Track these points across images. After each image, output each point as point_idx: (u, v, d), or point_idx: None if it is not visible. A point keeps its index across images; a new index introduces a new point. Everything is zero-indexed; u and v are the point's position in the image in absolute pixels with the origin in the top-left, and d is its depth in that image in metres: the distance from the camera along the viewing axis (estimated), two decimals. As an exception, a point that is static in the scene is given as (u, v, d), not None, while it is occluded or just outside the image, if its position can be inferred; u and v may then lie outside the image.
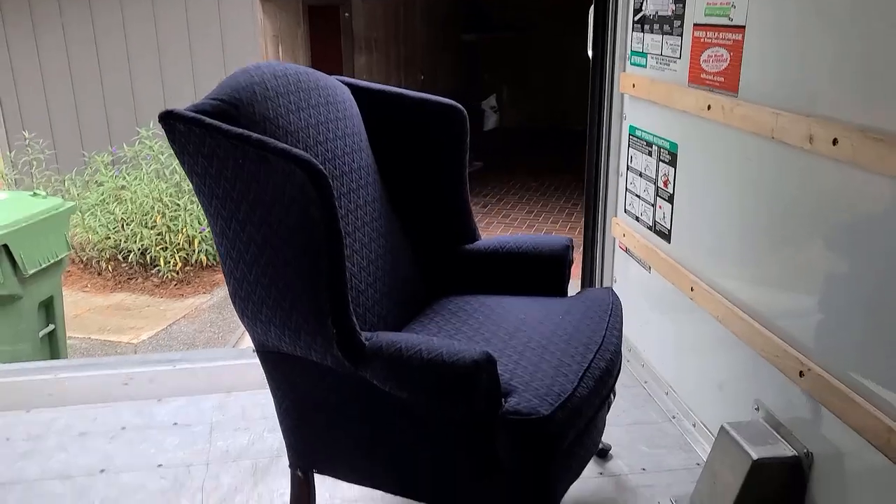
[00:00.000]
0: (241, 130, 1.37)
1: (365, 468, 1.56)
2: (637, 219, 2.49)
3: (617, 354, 1.67)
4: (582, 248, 2.81)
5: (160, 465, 2.05)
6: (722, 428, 1.79)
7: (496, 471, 1.41)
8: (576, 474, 1.57)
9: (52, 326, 3.93)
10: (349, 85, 1.94)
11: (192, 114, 1.42)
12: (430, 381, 1.36)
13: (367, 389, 1.44)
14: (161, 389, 2.46)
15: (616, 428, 2.19)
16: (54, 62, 6.69)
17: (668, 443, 2.14)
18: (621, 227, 2.59)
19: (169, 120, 1.43)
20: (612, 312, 1.79)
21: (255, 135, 1.37)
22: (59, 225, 3.85)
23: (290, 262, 1.40)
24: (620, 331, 1.76)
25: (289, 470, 1.65)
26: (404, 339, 1.42)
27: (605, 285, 2.77)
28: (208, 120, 1.40)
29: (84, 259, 5.92)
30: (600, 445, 2.05)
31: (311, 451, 1.61)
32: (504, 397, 1.42)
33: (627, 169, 2.56)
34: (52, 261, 3.80)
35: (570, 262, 1.97)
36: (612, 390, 1.67)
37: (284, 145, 1.34)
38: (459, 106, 1.97)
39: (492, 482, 1.42)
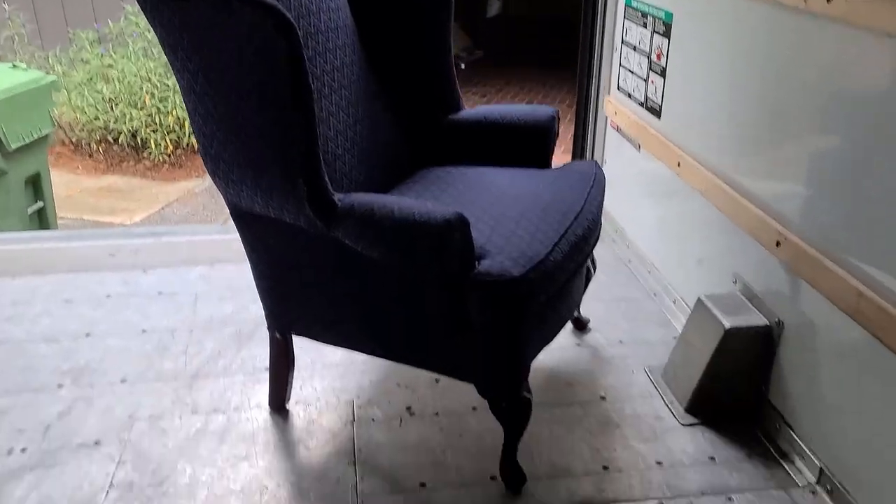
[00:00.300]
0: (205, -24, 1.30)
1: (339, 329, 1.58)
2: (629, 95, 2.43)
3: (595, 223, 1.65)
4: (573, 129, 2.75)
5: (144, 331, 2.07)
6: (698, 300, 1.80)
7: (468, 330, 1.42)
8: (547, 338, 1.58)
9: (40, 204, 3.91)
10: (328, -60, 1.84)
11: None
12: (402, 241, 1.34)
13: (340, 250, 1.44)
14: (146, 260, 2.47)
15: (596, 303, 2.21)
16: (34, -68, 6.38)
17: (647, 318, 2.16)
18: (613, 106, 2.53)
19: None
20: (594, 183, 1.77)
21: (219, -20, 1.30)
22: (41, 99, 3.77)
23: (259, 120, 1.36)
24: (601, 201, 1.74)
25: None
26: (377, 200, 1.40)
27: (594, 166, 2.74)
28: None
29: (74, 140, 5.84)
30: (580, 318, 2.08)
31: (286, 313, 1.62)
32: (477, 260, 1.41)
33: (622, 43, 2.47)
34: (35, 136, 3.74)
35: (556, 134, 1.92)
36: (588, 257, 1.67)
37: (248, -9, 1.28)
38: (444, -33, 1.87)
39: (463, 341, 1.44)
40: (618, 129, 2.53)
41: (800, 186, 1.58)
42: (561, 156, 3.10)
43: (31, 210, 3.85)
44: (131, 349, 1.99)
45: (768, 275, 1.69)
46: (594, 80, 2.61)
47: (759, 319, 1.69)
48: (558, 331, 1.65)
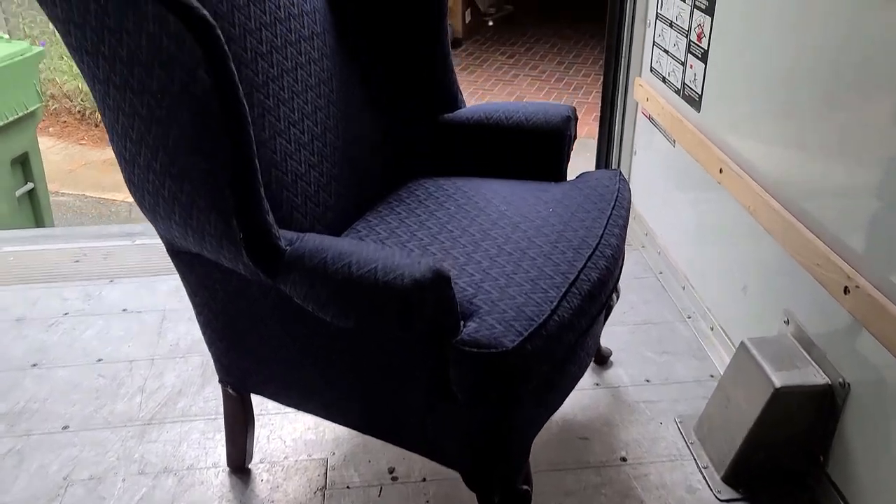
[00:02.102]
0: (100, -40, 0.99)
1: (299, 392, 1.29)
2: (664, 80, 2.07)
3: (616, 258, 1.33)
4: (599, 112, 2.41)
5: (100, 360, 1.82)
6: (742, 344, 1.48)
7: (450, 403, 1.13)
8: (555, 407, 1.29)
9: (30, 185, 3.68)
10: None
11: (44, -64, 1.04)
12: (361, 304, 1.05)
13: (293, 303, 1.15)
14: (115, 268, 2.21)
15: (620, 328, 1.90)
16: None
17: (680, 348, 1.84)
18: (645, 90, 2.18)
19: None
20: (616, 204, 1.44)
21: (118, -34, 0.99)
22: (27, 73, 3.50)
23: (182, 144, 1.06)
24: (624, 225, 1.42)
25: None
26: (333, 247, 1.10)
27: (623, 156, 2.40)
28: (62, -55, 1.02)
29: (78, 110, 5.60)
30: (600, 349, 1.77)
31: (237, 367, 1.34)
32: (463, 319, 1.11)
33: (656, 17, 2.10)
34: (21, 113, 3.48)
35: (572, 138, 1.59)
36: (606, 304, 1.35)
37: (155, -19, 0.96)
38: (438, -67, 1.53)
39: (445, 418, 1.15)
40: (650, 118, 2.18)
41: (881, 221, 1.24)
42: (582, 142, 2.76)
43: (19, 192, 3.62)
44: (81, 384, 1.74)
45: (830, 322, 1.36)
46: (623, 60, 2.25)
47: (817, 377, 1.37)
48: (569, 392, 1.35)
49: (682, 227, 2.05)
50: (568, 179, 1.61)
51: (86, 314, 2.00)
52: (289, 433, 1.59)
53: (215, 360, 1.37)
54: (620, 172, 1.57)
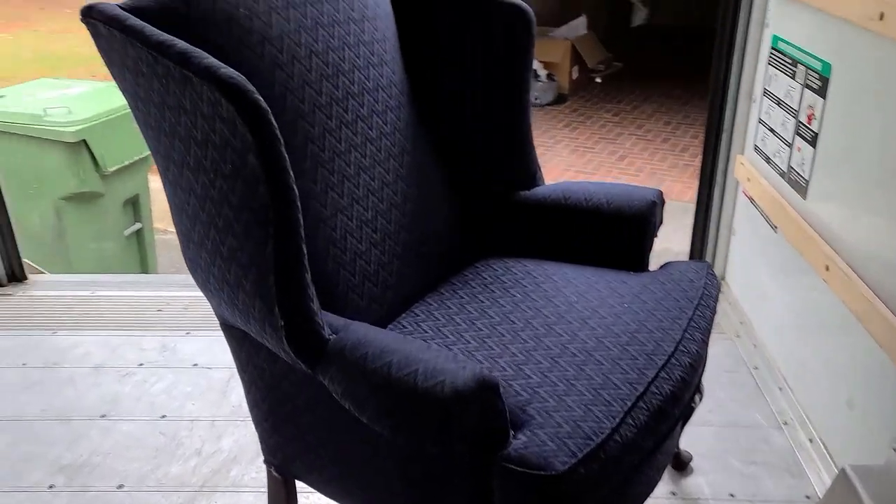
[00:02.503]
0: (164, 37, 0.99)
1: (340, 486, 1.22)
2: (768, 160, 1.92)
3: (695, 366, 1.20)
4: (697, 189, 2.26)
5: (164, 417, 1.82)
6: (843, 471, 1.30)
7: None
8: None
9: (138, 225, 3.85)
10: (381, -26, 1.49)
11: (116, 10, 1.04)
12: (397, 409, 0.97)
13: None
14: (194, 319, 2.23)
15: (704, 429, 1.73)
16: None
17: (772, 459, 1.66)
18: (747, 169, 2.03)
19: (90, 18, 1.06)
20: (701, 304, 1.31)
21: (179, 44, 0.97)
22: (142, 121, 3.68)
23: (232, 226, 1.03)
24: (708, 331, 1.28)
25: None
26: (376, 342, 1.03)
27: (720, 236, 2.24)
28: (131, 20, 1.02)
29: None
30: (678, 453, 1.62)
31: (282, 449, 1.29)
32: (513, 429, 1.02)
33: (763, 94, 1.97)
34: (135, 158, 3.66)
35: (656, 226, 1.48)
36: (679, 420, 1.22)
37: (212, 61, 0.94)
38: (527, 7, 1.48)
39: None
40: (751, 200, 2.02)
41: None
42: (683, 206, 2.61)
43: (128, 232, 3.79)
44: (143, 441, 1.74)
45: (951, 460, 1.17)
46: (725, 135, 2.11)
47: (932, 524, 1.18)
48: (635, 509, 1.21)
49: (783, 321, 1.87)
50: (651, 269, 1.49)
51: (159, 366, 2.01)
52: (337, 517, 1.51)
53: (261, 440, 1.32)
54: (710, 266, 1.44)
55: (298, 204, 1.00)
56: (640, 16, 10.57)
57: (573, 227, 1.50)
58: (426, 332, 1.26)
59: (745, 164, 2.04)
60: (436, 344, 1.22)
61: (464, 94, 1.53)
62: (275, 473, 1.34)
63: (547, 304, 1.31)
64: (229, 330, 1.24)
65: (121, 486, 1.60)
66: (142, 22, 1.02)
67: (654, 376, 1.12)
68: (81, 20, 1.07)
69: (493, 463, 0.98)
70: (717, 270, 2.27)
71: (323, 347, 1.05)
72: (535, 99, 7.03)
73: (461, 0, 1.48)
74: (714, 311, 1.34)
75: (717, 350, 2.05)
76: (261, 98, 0.94)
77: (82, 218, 3.56)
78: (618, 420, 1.03)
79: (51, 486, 1.60)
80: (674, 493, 1.57)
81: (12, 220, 3.68)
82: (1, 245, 2.33)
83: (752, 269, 2.06)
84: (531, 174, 1.56)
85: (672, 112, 7.15)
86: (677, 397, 1.13)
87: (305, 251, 1.03)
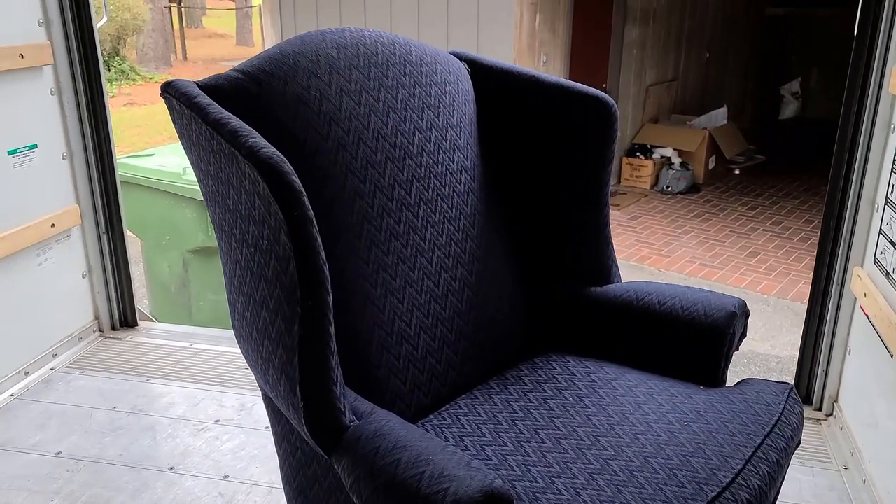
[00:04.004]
0: (221, 115, 1.03)
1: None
2: (888, 275, 1.74)
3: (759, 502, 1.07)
4: (809, 298, 2.08)
5: (226, 477, 1.84)
6: None
7: None
8: None
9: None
10: (467, 60, 1.51)
11: (189, 87, 1.11)
12: (395, 513, 0.92)
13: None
14: (276, 382, 2.27)
15: (790, 572, 1.53)
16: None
17: None
18: (864, 283, 1.84)
19: (167, 93, 1.13)
20: (774, 432, 1.18)
21: (234, 122, 1.01)
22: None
23: (267, 301, 1.04)
24: (779, 463, 1.14)
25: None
26: (391, 436, 0.99)
27: (834, 355, 2.03)
28: (199, 98, 1.08)
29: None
30: None
31: (310, 533, 1.25)
32: (530, 549, 0.94)
33: (886, 203, 1.79)
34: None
35: (734, 338, 1.36)
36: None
37: (258, 141, 0.97)
38: (609, 99, 1.44)
39: None
40: (868, 319, 1.82)
41: None
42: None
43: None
44: (201, 500, 1.76)
45: None
46: (842, 244, 1.94)
47: None
48: None
49: None
50: (727, 385, 1.36)
51: (233, 425, 2.05)
52: None
53: (293, 518, 1.29)
54: (793, 388, 1.30)
55: (328, 287, 0.99)
56: (790, 108, 10.18)
57: (643, 331, 1.41)
58: (464, 427, 1.20)
59: (863, 277, 1.85)
60: (471, 442, 1.16)
61: (539, 184, 1.49)
62: (302, 555, 1.30)
63: (599, 411, 1.22)
64: (270, 403, 1.24)
65: (170, 543, 1.62)
66: (209, 100, 1.08)
67: (701, 509, 1.01)
68: (161, 94, 1.14)
69: (498, 584, 0.90)
70: (829, 392, 2.05)
71: (341, 434, 1.02)
72: (667, 187, 6.86)
73: (543, 90, 1.46)
74: (792, 443, 1.20)
75: (820, 481, 1.83)
76: (296, 180, 0.95)
77: (205, 270, 3.78)
78: (646, 556, 0.93)
79: (107, 533, 1.64)
80: None
81: (144, 268, 3.96)
82: (118, 292, 2.49)
83: (866, 394, 1.85)
84: (605, 270, 1.49)
85: (815, 210, 6.74)
86: (725, 538, 1.01)
87: (333, 333, 1.02)
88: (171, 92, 1.11)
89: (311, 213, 0.96)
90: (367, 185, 1.24)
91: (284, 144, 1.08)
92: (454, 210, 1.37)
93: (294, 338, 0.99)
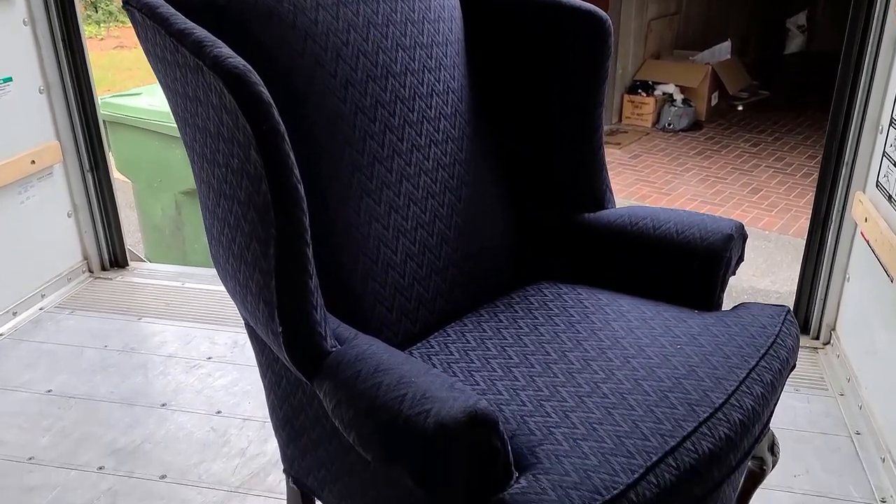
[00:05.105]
0: (185, 26, 0.97)
1: (344, 506, 1.15)
2: (891, 199, 1.69)
3: (745, 428, 1.04)
4: (808, 228, 2.04)
5: (219, 412, 1.83)
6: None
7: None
8: None
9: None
10: (452, -25, 1.43)
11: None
12: (375, 436, 0.89)
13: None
14: (269, 319, 2.25)
15: (784, 495, 1.53)
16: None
17: (860, 542, 1.44)
18: (865, 209, 1.79)
19: (129, 5, 1.06)
20: (769, 353, 1.14)
21: (198, 32, 0.95)
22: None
23: (241, 224, 1.00)
24: (773, 385, 1.11)
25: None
26: (373, 358, 0.95)
27: (833, 281, 2.00)
28: (162, 8, 1.01)
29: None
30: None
31: (298, 463, 1.23)
32: (518, 472, 0.91)
33: (890, 123, 1.74)
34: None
35: (732, 261, 1.32)
36: (720, 484, 1.05)
37: (223, 51, 0.91)
38: (603, 14, 1.37)
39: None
40: (868, 244, 1.78)
41: None
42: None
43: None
44: (194, 434, 1.75)
45: None
46: (844, 169, 1.88)
47: None
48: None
49: (894, 384, 1.63)
50: (724, 309, 1.33)
51: (225, 362, 2.03)
52: (361, 538, 1.45)
53: (280, 448, 1.28)
54: (789, 311, 1.26)
55: (304, 207, 0.95)
56: (795, 42, 9.95)
57: (638, 256, 1.36)
58: (451, 353, 1.17)
59: (865, 202, 1.80)
60: (459, 368, 1.13)
61: (530, 106, 1.43)
62: (293, 485, 1.29)
63: (590, 336, 1.19)
64: (252, 332, 1.21)
65: (163, 477, 1.61)
66: (172, 10, 1.01)
67: (692, 430, 0.98)
68: (123, 6, 1.08)
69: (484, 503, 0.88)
70: (827, 320, 2.02)
71: (323, 359, 0.99)
72: (669, 125, 6.74)
73: (534, 5, 1.39)
74: (787, 364, 1.17)
75: (815, 408, 1.82)
76: (265, 91, 0.89)
77: (198, 212, 3.72)
78: (636, 475, 0.90)
79: (100, 468, 1.64)
80: (734, 566, 1.38)
81: (138, 212, 3.91)
82: (106, 232, 2.45)
83: (864, 321, 1.82)
84: (598, 195, 1.44)
85: (819, 146, 6.63)
86: (717, 458, 0.98)
87: (311, 256, 0.98)
88: (132, 3, 1.05)
89: (283, 128, 0.91)
90: (347, 105, 1.19)
91: (256, 60, 1.01)
92: (441, 133, 1.32)
93: (270, 261, 0.95)
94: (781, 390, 1.16)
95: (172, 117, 1.12)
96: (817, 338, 2.06)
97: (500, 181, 1.42)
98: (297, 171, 0.93)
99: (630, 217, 1.38)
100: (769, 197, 5.39)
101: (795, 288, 2.09)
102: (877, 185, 1.77)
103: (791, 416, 1.78)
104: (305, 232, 0.96)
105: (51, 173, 2.25)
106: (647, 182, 5.61)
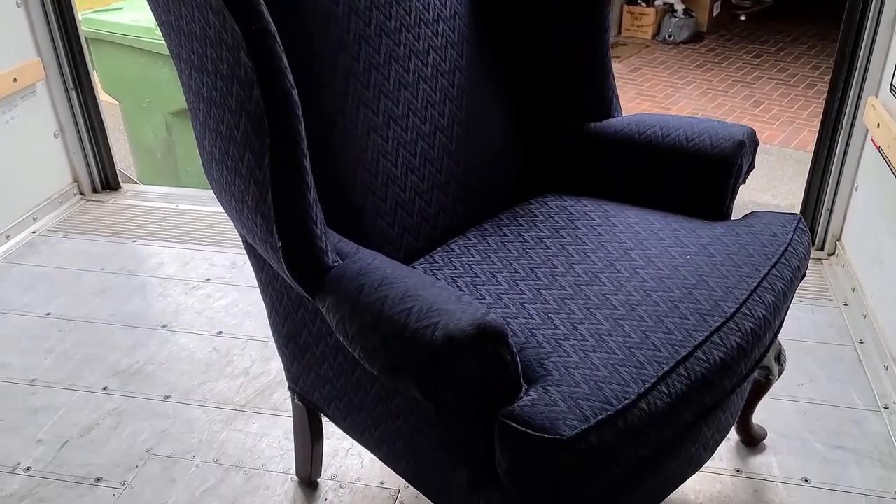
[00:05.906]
0: (164, -79, 0.89)
1: (352, 424, 1.15)
2: (904, 103, 1.63)
3: (756, 337, 1.02)
4: (817, 134, 1.98)
5: (220, 333, 1.82)
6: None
7: (497, 487, 0.92)
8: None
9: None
10: None
11: None
12: (382, 349, 0.87)
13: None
14: (267, 240, 2.21)
15: (788, 404, 1.54)
16: None
17: (862, 446, 1.45)
18: (877, 114, 1.74)
19: None
20: (781, 262, 1.12)
21: (179, -71, 0.88)
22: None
23: (234, 133, 0.95)
24: (784, 294, 1.09)
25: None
26: (377, 272, 0.93)
27: (840, 190, 1.96)
28: None
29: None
30: (750, 428, 1.44)
31: (303, 379, 1.22)
32: (527, 384, 0.90)
33: (907, 23, 1.66)
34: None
35: (742, 170, 1.27)
36: (730, 393, 1.04)
37: (207, -53, 0.84)
38: None
39: (487, 494, 0.94)
40: (879, 151, 1.74)
41: None
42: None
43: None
44: (196, 355, 1.74)
45: None
46: (857, 72, 1.82)
47: None
48: (672, 489, 1.07)
49: (900, 292, 1.62)
50: (734, 218, 1.30)
51: (224, 283, 2.01)
52: (368, 452, 1.46)
53: (284, 366, 1.26)
54: (801, 219, 1.23)
55: (298, 113, 0.90)
56: (801, -52, 9.60)
57: (646, 165, 1.32)
58: (456, 268, 1.14)
59: (877, 107, 1.75)
60: (464, 282, 1.10)
61: (534, 6, 1.36)
62: (297, 402, 1.29)
63: (598, 248, 1.16)
64: (251, 250, 1.18)
65: (167, 397, 1.61)
66: None
67: (704, 340, 0.96)
68: None
69: (494, 415, 0.87)
70: (833, 231, 2.00)
71: (324, 274, 0.96)
72: (670, 36, 6.55)
73: None
74: (798, 273, 1.15)
75: (819, 318, 1.82)
76: (253, -12, 0.83)
77: (190, 133, 3.64)
78: (647, 386, 0.89)
79: (104, 389, 1.63)
80: (738, 471, 1.40)
81: (127, 133, 3.82)
82: (95, 153, 2.39)
83: (872, 230, 1.79)
84: (605, 102, 1.38)
85: (823, 56, 6.48)
86: (728, 367, 0.97)
87: (308, 167, 0.94)
88: None
89: (274, 28, 0.85)
90: (340, 6, 1.12)
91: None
92: (440, 37, 1.25)
93: (265, 172, 0.91)
94: (792, 298, 1.14)
95: (158, 31, 1.05)
96: (822, 248, 2.04)
97: (502, 91, 1.36)
98: (290, 76, 0.88)
99: (638, 125, 1.33)
100: (771, 109, 5.28)
101: (796, 202, 2.06)
102: (891, 89, 1.71)
103: (796, 326, 1.77)
104: (302, 141, 0.91)
105: (34, 92, 2.17)
106: (648, 96, 5.49)
